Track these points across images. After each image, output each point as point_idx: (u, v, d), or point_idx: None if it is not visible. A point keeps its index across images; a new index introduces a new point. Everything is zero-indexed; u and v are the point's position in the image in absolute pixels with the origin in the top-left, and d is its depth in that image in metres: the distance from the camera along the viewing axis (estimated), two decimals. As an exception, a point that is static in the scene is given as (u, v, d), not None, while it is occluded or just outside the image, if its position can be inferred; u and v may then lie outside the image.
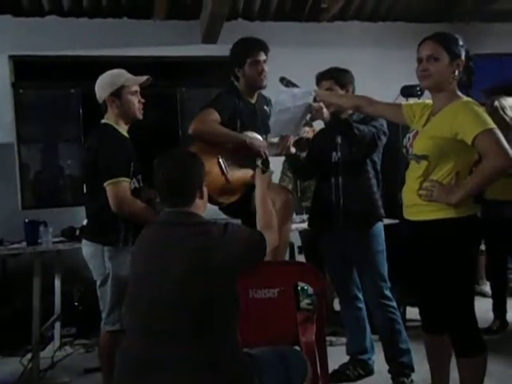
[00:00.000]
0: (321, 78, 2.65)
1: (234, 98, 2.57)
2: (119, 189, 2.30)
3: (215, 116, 2.45)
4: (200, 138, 2.46)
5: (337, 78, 2.61)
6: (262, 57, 2.56)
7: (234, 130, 2.50)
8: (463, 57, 1.99)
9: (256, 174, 2.18)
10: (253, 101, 2.65)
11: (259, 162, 2.55)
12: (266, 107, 2.68)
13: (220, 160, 2.46)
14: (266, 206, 2.03)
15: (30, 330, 3.12)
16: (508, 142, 1.89)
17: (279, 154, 2.62)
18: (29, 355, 3.19)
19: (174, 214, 1.74)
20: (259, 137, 2.57)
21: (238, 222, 2.69)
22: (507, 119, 3.23)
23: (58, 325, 3.63)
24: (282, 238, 2.36)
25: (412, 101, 2.44)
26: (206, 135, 2.45)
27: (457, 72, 1.98)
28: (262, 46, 2.58)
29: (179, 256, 1.61)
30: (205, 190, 1.80)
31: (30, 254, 3.16)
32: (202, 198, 1.78)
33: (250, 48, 2.57)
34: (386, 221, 2.81)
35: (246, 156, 2.52)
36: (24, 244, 3.21)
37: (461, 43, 2.01)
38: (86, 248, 2.44)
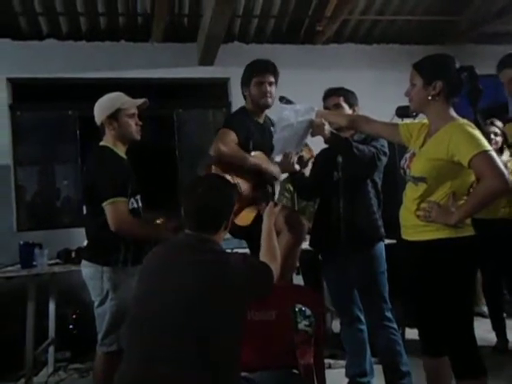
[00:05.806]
0: (331, 93, 2.68)
1: (245, 118, 2.58)
2: (117, 208, 2.30)
3: (233, 136, 2.44)
4: (221, 159, 2.43)
5: (346, 96, 2.67)
6: (268, 78, 2.57)
7: (246, 151, 2.49)
8: (448, 77, 1.98)
9: (268, 207, 2.13)
10: (261, 121, 2.66)
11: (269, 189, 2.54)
12: (272, 128, 2.69)
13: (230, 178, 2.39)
14: (271, 240, 2.01)
15: (24, 355, 3.07)
16: None
17: (282, 172, 2.62)
18: (22, 380, 3.14)
19: (194, 238, 1.71)
20: (276, 168, 2.55)
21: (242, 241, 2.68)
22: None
23: (51, 349, 3.57)
24: (291, 261, 2.34)
25: (408, 121, 2.45)
26: (228, 158, 2.42)
27: (434, 94, 1.98)
28: (269, 68, 2.59)
29: (193, 280, 1.58)
30: (231, 221, 1.79)
31: (25, 276, 3.13)
32: (226, 228, 1.78)
33: (256, 68, 2.60)
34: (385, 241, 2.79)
35: (261, 180, 2.51)
36: (18, 266, 3.19)
37: (443, 65, 2.01)
38: (86, 269, 2.42)
